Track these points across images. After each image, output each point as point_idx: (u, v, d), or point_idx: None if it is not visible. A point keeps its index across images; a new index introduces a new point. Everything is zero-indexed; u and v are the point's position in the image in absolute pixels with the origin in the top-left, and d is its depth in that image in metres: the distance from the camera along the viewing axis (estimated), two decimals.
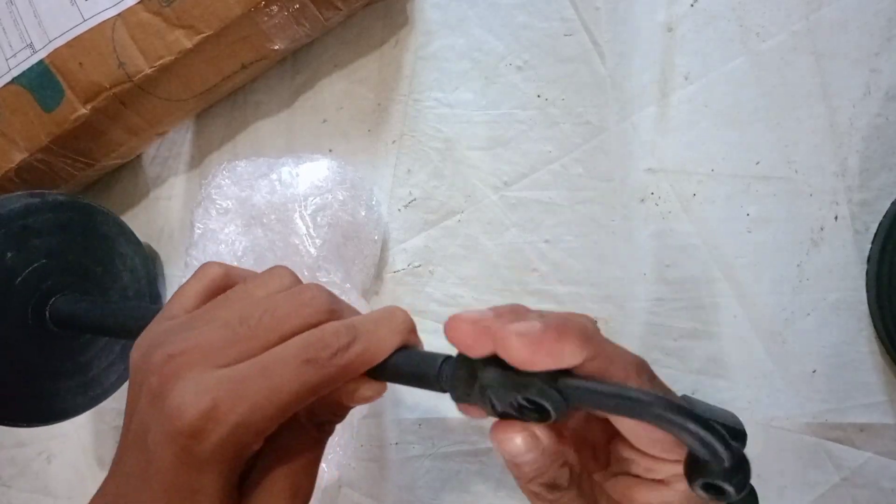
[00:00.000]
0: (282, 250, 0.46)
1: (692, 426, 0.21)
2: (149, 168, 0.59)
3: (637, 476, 0.27)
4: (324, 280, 0.45)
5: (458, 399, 0.27)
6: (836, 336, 0.42)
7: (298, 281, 0.31)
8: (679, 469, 0.24)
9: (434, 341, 0.49)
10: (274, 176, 0.47)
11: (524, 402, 0.24)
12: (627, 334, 0.46)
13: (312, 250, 0.45)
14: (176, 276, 0.59)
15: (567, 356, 0.23)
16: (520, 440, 0.24)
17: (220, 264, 0.32)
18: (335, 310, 0.29)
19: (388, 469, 0.50)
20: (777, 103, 0.44)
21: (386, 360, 0.28)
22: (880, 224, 0.41)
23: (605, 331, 0.46)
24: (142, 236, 0.57)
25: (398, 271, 0.51)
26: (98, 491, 0.29)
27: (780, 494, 0.42)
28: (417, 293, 0.50)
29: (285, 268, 0.31)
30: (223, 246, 0.47)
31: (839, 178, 0.43)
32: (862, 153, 0.42)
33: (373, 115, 0.52)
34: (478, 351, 0.24)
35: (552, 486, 0.25)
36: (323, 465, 0.46)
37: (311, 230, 0.45)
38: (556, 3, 0.48)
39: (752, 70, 0.44)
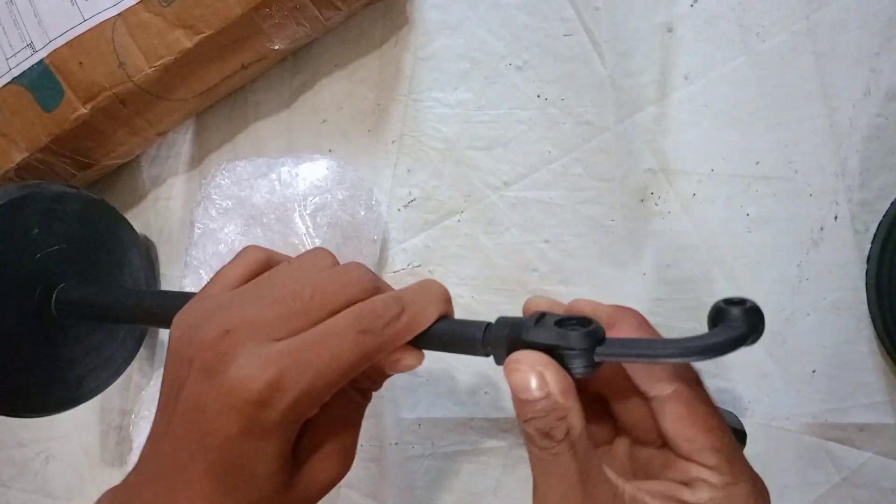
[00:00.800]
0: (281, 250, 0.46)
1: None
2: (148, 168, 0.59)
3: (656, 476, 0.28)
4: None
5: (499, 361, 0.29)
6: (836, 336, 0.42)
7: (337, 261, 0.32)
8: (709, 476, 0.26)
9: None
10: (273, 175, 0.47)
11: (560, 351, 0.27)
12: None
13: None
14: (175, 277, 0.58)
15: (628, 326, 0.29)
16: (532, 376, 0.25)
17: (262, 248, 0.34)
18: (379, 286, 0.31)
19: (388, 469, 0.50)
20: (777, 103, 0.44)
21: (429, 329, 0.30)
22: (880, 224, 0.41)
23: None
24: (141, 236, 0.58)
25: (398, 271, 0.51)
26: (137, 466, 0.29)
27: (781, 494, 0.42)
28: None
29: (325, 249, 0.33)
30: (223, 245, 0.47)
31: (839, 178, 0.43)
32: (862, 153, 0.42)
33: (373, 115, 0.52)
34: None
35: (545, 434, 0.26)
36: None
37: (311, 230, 0.45)
38: (556, 4, 0.48)
39: (752, 70, 0.44)
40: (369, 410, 0.50)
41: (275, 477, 0.28)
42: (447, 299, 0.32)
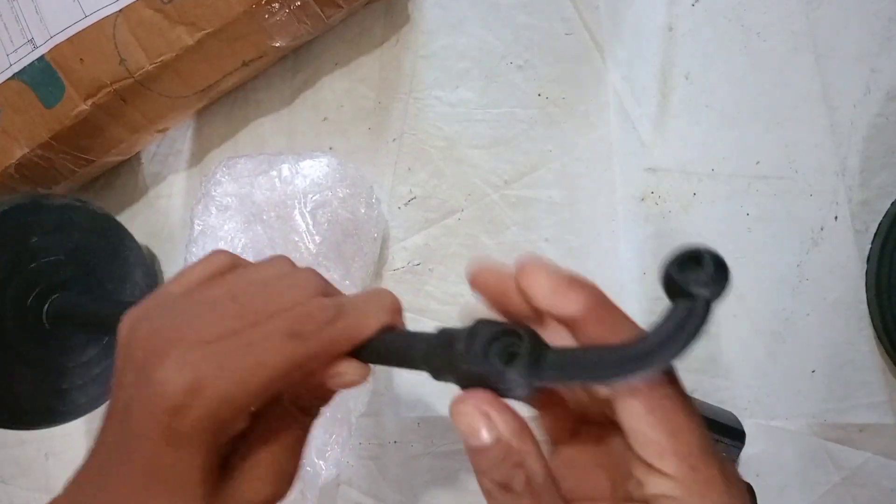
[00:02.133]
0: (281, 247, 0.46)
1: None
2: (149, 165, 0.59)
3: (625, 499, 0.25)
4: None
5: (433, 375, 0.26)
6: (836, 336, 0.42)
7: (295, 268, 0.31)
8: (670, 489, 0.22)
9: None
10: (274, 173, 0.47)
11: (500, 351, 0.23)
12: None
13: (312, 247, 0.45)
14: (172, 273, 0.58)
15: (577, 304, 0.23)
16: (478, 419, 0.23)
17: (229, 253, 0.32)
18: (327, 292, 0.29)
19: (387, 467, 0.50)
20: (777, 103, 0.44)
21: (370, 340, 0.28)
22: (880, 224, 0.41)
23: None
24: (142, 234, 0.57)
25: (398, 269, 0.51)
26: (82, 464, 0.29)
27: (781, 493, 0.42)
28: (417, 291, 0.50)
29: (284, 256, 0.31)
30: (223, 243, 0.47)
31: (839, 177, 0.43)
32: (862, 153, 0.42)
33: (373, 114, 0.52)
34: (496, 293, 0.26)
35: (504, 487, 0.23)
36: (321, 463, 0.46)
37: (311, 227, 0.45)
38: (557, 3, 0.48)
39: (752, 70, 0.44)
40: (369, 408, 0.50)
41: (196, 488, 0.26)
42: (395, 309, 0.29)
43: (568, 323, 0.24)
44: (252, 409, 0.27)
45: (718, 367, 0.44)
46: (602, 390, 0.24)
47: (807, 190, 0.43)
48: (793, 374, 0.43)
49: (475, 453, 0.23)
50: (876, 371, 0.42)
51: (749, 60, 0.44)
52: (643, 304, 0.46)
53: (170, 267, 0.59)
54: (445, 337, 0.25)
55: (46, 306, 0.47)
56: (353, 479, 0.51)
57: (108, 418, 0.28)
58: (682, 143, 0.46)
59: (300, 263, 0.45)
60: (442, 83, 0.51)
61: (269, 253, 0.46)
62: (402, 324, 0.30)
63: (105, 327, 0.45)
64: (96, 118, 0.49)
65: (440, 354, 0.25)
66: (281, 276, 0.29)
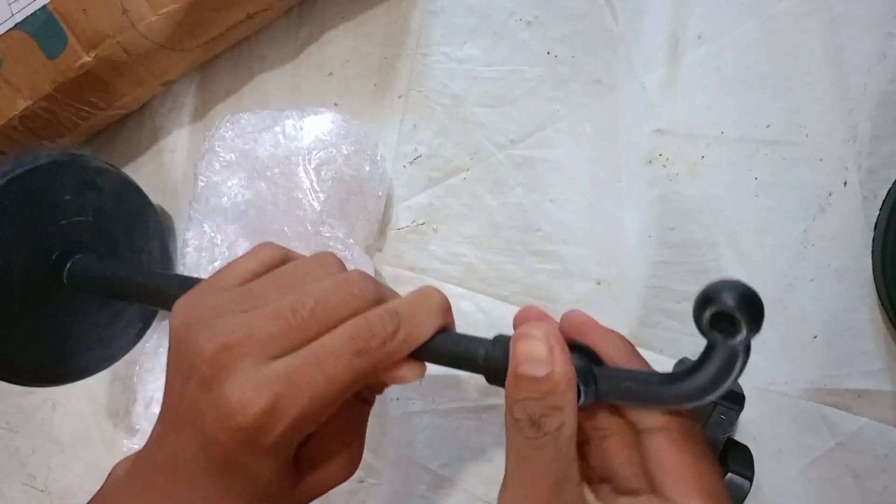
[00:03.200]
0: (285, 204, 0.46)
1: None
2: (153, 119, 0.59)
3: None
4: (327, 235, 0.45)
5: (492, 382, 0.28)
6: (839, 303, 0.42)
7: (344, 267, 0.32)
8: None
9: None
10: (277, 129, 0.46)
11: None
12: (629, 296, 0.46)
13: (316, 205, 0.45)
14: (179, 230, 0.59)
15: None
16: (543, 347, 0.25)
17: (279, 247, 0.33)
18: (381, 296, 0.30)
19: (388, 424, 0.51)
20: (789, 66, 0.43)
21: (427, 343, 0.29)
22: (889, 191, 0.41)
23: (608, 293, 0.46)
24: (146, 188, 0.57)
25: (402, 228, 0.51)
26: (150, 443, 0.30)
27: (776, 458, 0.43)
28: (420, 251, 0.50)
29: (332, 254, 0.32)
30: (226, 199, 0.47)
31: (849, 143, 0.42)
32: (874, 119, 0.42)
33: (379, 70, 0.52)
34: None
35: (534, 423, 0.25)
36: None
37: (315, 184, 0.45)
38: None
39: (764, 33, 0.43)
40: None
41: (274, 483, 0.28)
42: (446, 309, 0.31)
43: None
44: (324, 418, 0.28)
45: None
46: (640, 418, 0.26)
47: (816, 155, 0.43)
48: (793, 339, 0.43)
49: (521, 380, 0.25)
50: (877, 339, 0.42)
51: (762, 23, 0.43)
52: (646, 267, 0.45)
53: (174, 222, 0.59)
54: (504, 345, 0.27)
55: (69, 265, 0.47)
56: None
57: (172, 419, 0.29)
58: (690, 106, 0.45)
59: (304, 221, 0.46)
60: (449, 39, 0.50)
61: (272, 210, 0.46)
62: (452, 322, 0.32)
63: (121, 294, 0.45)
64: (100, 70, 0.49)
65: (500, 361, 0.27)
66: (337, 284, 0.30)
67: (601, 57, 0.46)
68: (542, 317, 0.30)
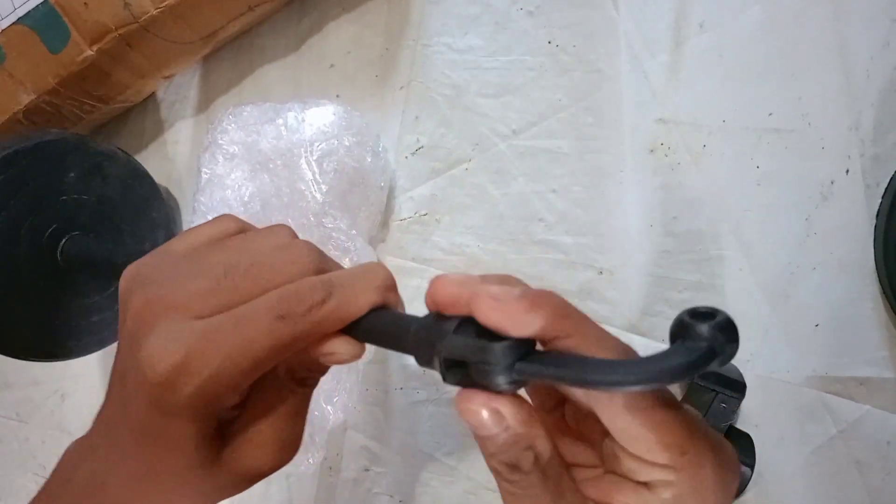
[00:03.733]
0: (288, 196, 0.46)
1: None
2: (156, 112, 0.59)
3: (621, 475, 0.25)
4: (329, 226, 0.45)
5: (420, 363, 0.26)
6: (841, 291, 0.42)
7: (295, 237, 0.31)
8: (665, 475, 0.23)
9: None
10: (280, 121, 0.47)
11: (477, 365, 0.23)
12: (632, 286, 0.46)
13: (318, 196, 0.45)
14: (184, 222, 0.59)
15: (534, 324, 0.22)
16: (485, 414, 0.23)
17: (237, 219, 0.32)
18: (322, 268, 0.29)
19: (393, 413, 0.51)
20: (793, 54, 0.43)
21: (361, 319, 0.27)
22: (892, 179, 0.41)
23: (610, 282, 0.46)
24: None
25: (404, 219, 0.51)
26: (94, 422, 0.30)
27: (778, 445, 0.43)
28: (423, 242, 0.51)
29: (285, 226, 0.31)
30: (229, 191, 0.47)
31: (853, 131, 0.42)
32: (877, 107, 0.41)
33: (380, 61, 0.52)
34: (452, 310, 0.24)
35: (512, 467, 0.24)
36: (329, 408, 0.47)
37: (317, 176, 0.45)
38: None
39: (768, 20, 0.43)
40: (376, 355, 0.51)
41: (193, 454, 0.27)
42: (388, 286, 0.29)
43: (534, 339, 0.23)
44: (242, 385, 0.27)
45: None
46: (580, 394, 0.24)
47: (819, 143, 0.42)
48: (796, 328, 0.43)
49: (484, 440, 0.23)
50: (879, 327, 0.42)
51: (765, 10, 0.43)
52: (649, 255, 0.46)
53: (181, 215, 0.59)
54: (435, 320, 0.25)
55: (63, 242, 0.48)
56: (359, 424, 0.52)
57: (112, 373, 0.29)
58: (693, 94, 0.45)
59: (307, 212, 0.46)
60: (450, 29, 0.50)
61: (275, 202, 0.47)
62: (396, 300, 0.29)
63: (113, 276, 0.45)
64: (102, 63, 0.49)
65: (430, 336, 0.25)
66: (277, 250, 0.29)
67: (603, 46, 0.46)
68: (455, 301, 0.24)
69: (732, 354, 0.21)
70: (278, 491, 0.54)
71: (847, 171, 0.42)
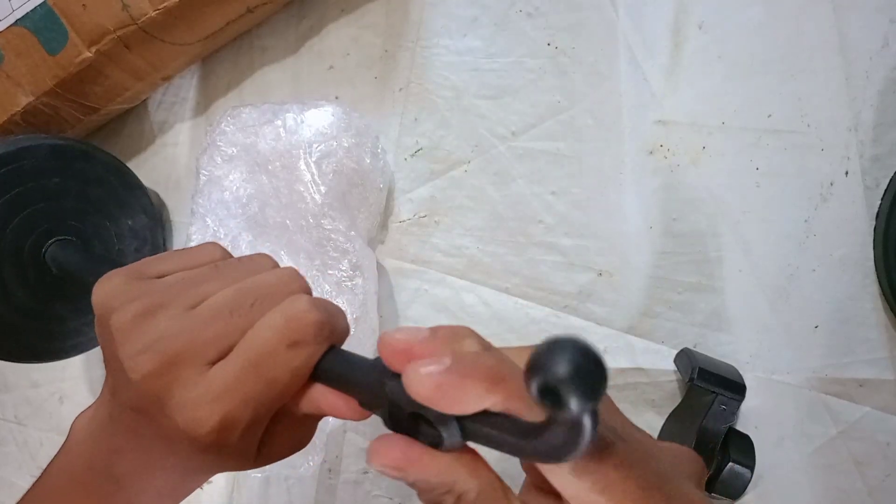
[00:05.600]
0: (287, 197, 0.46)
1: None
2: (155, 114, 0.59)
3: None
4: (328, 228, 0.45)
5: (361, 404, 0.26)
6: (841, 292, 0.42)
7: (277, 265, 0.32)
8: None
9: (439, 292, 0.50)
10: (278, 122, 0.46)
11: (421, 421, 0.23)
12: (632, 287, 0.46)
13: (317, 197, 0.45)
14: (183, 223, 0.59)
15: (470, 401, 0.21)
16: (394, 472, 0.23)
17: (222, 247, 0.33)
18: (310, 292, 0.30)
19: None
20: (792, 55, 0.43)
21: (321, 360, 0.28)
22: (891, 180, 0.41)
23: (609, 284, 0.46)
24: (148, 182, 0.58)
25: (404, 221, 0.51)
26: (102, 425, 0.30)
27: (778, 445, 0.43)
28: (423, 243, 0.50)
29: (266, 254, 0.32)
30: (228, 193, 0.47)
31: (852, 132, 0.42)
32: (877, 107, 0.41)
33: (380, 62, 0.52)
34: (396, 368, 0.24)
35: None
36: None
37: (316, 177, 0.45)
38: None
39: (767, 20, 0.43)
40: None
41: (238, 465, 0.29)
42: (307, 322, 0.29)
43: None
44: (272, 412, 0.28)
45: (721, 321, 0.44)
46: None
47: (818, 144, 0.42)
48: (796, 329, 0.43)
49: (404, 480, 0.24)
50: (879, 327, 0.42)
51: (764, 10, 0.43)
52: (648, 257, 0.45)
53: (178, 216, 0.59)
54: (378, 373, 0.25)
55: (45, 249, 0.48)
56: (358, 427, 0.52)
57: (124, 405, 0.29)
58: (693, 95, 0.45)
59: (306, 214, 0.46)
60: (450, 31, 0.50)
61: (274, 203, 0.46)
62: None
63: (84, 281, 0.46)
64: (101, 65, 0.49)
65: (371, 398, 0.25)
66: (272, 280, 0.29)
67: (602, 47, 0.46)
68: (397, 363, 0.24)
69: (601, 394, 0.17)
70: (277, 493, 0.54)
71: (846, 173, 0.42)
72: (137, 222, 0.54)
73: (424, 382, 0.21)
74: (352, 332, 0.33)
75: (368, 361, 0.26)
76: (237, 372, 0.26)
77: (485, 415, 0.21)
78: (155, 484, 0.30)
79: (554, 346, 0.17)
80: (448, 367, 0.21)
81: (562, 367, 0.16)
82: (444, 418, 0.22)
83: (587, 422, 0.19)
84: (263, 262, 0.31)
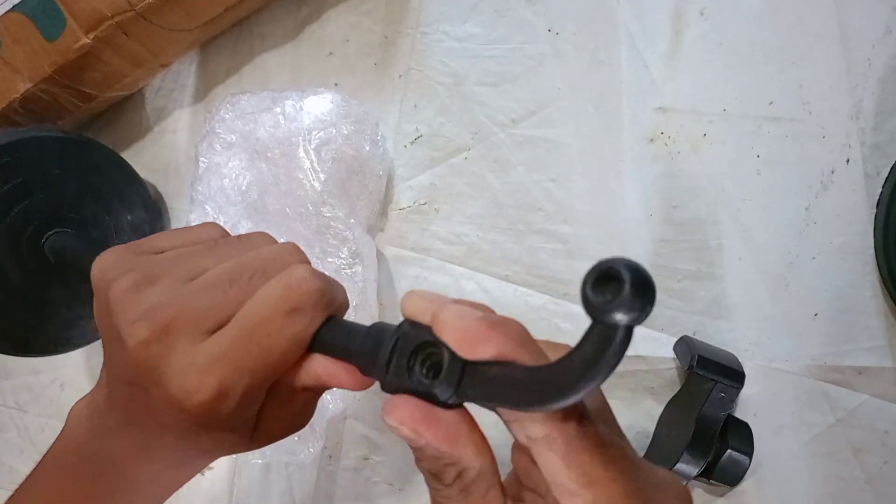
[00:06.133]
0: (286, 184, 0.46)
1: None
2: (154, 100, 0.59)
3: None
4: (328, 215, 0.45)
5: (361, 371, 0.26)
6: (841, 280, 0.42)
7: (275, 241, 0.32)
8: None
9: (438, 279, 0.50)
10: (278, 109, 0.46)
11: (420, 368, 0.23)
12: None
13: (317, 185, 0.45)
14: (182, 211, 0.59)
15: (488, 349, 0.22)
16: (405, 430, 0.23)
17: (221, 227, 0.33)
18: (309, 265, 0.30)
19: None
20: (793, 42, 0.43)
21: (318, 330, 0.27)
22: (892, 168, 0.41)
23: None
24: (148, 170, 0.57)
25: (403, 208, 0.51)
26: (96, 409, 0.30)
27: (777, 433, 0.43)
28: (423, 231, 0.50)
29: (264, 232, 0.32)
30: (227, 180, 0.47)
31: (853, 120, 0.42)
32: (878, 95, 0.41)
33: (379, 49, 0.51)
34: (420, 319, 0.24)
35: (434, 476, 0.24)
36: (328, 398, 0.47)
37: (316, 164, 0.45)
38: None
39: (768, 7, 0.43)
40: None
41: (229, 450, 0.29)
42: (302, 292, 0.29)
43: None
44: (269, 383, 0.28)
45: (721, 308, 0.44)
46: (521, 433, 0.23)
47: (819, 132, 0.42)
48: (795, 317, 0.43)
49: (409, 444, 0.23)
50: (878, 315, 0.42)
51: None
52: (648, 245, 0.45)
53: (177, 203, 0.59)
54: (374, 340, 0.25)
55: (44, 240, 0.48)
56: (358, 413, 0.52)
57: (120, 383, 0.29)
58: (693, 83, 0.45)
59: (305, 201, 0.46)
60: (450, 17, 0.49)
61: (274, 191, 0.46)
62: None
63: (83, 269, 0.46)
64: (99, 52, 0.49)
65: (368, 358, 0.25)
66: (271, 254, 0.29)
67: (603, 34, 0.46)
68: (421, 313, 0.25)
69: (647, 314, 0.17)
70: (278, 480, 0.54)
71: (847, 161, 0.42)
72: (136, 217, 0.54)
73: (457, 323, 0.22)
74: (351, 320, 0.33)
75: (366, 327, 0.26)
76: (233, 340, 0.26)
77: (494, 362, 0.22)
78: (150, 468, 0.30)
79: (619, 258, 0.17)
80: (480, 316, 0.22)
81: (626, 265, 0.17)
82: (453, 365, 0.22)
83: (621, 334, 0.18)
84: (262, 240, 0.31)
